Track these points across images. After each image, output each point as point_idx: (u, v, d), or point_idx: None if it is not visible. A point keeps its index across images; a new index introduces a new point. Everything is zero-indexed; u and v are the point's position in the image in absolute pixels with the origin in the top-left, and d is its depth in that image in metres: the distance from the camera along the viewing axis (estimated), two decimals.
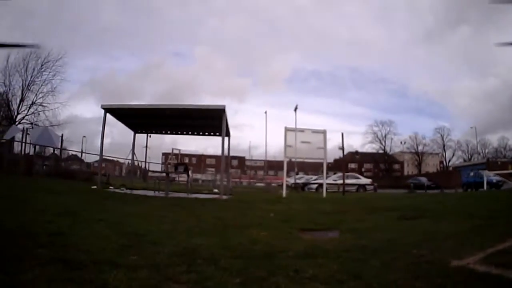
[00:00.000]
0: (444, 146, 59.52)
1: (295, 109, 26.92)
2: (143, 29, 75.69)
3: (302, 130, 11.39)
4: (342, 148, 16.39)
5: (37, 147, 16.83)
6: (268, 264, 2.34)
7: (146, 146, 20.15)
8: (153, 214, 4.86)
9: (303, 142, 11.19)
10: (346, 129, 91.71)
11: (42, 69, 27.05)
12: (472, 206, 6.27)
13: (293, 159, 11.08)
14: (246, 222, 4.49)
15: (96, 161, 33.14)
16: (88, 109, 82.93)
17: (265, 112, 36.78)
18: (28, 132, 16.95)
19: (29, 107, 26.85)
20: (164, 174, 11.29)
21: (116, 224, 3.67)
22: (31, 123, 25.69)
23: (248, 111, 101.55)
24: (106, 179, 14.77)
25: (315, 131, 11.63)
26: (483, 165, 36.13)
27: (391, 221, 4.95)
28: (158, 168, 31.99)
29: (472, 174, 22.30)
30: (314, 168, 51.49)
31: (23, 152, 15.02)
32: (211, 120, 10.21)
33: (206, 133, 12.01)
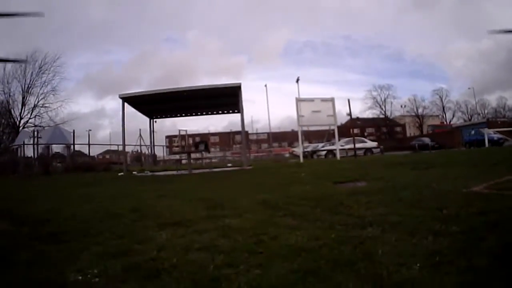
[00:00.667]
0: (443, 108, 59.90)
1: (297, 81, 27.28)
2: (133, 20, 74.56)
3: (312, 100, 11.99)
4: (350, 114, 16.97)
5: (52, 147, 17.31)
6: (329, 201, 3.10)
7: (152, 131, 20.69)
8: (206, 186, 5.51)
9: (314, 111, 11.83)
10: (344, 96, 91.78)
11: (41, 71, 27.45)
12: (476, 159, 7.16)
13: (304, 128, 11.63)
14: (286, 182, 5.21)
15: (100, 154, 33.91)
16: (87, 104, 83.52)
17: (265, 85, 36.98)
18: (40, 135, 17.33)
19: (32, 110, 27.38)
20: (179, 155, 12.07)
21: (189, 197, 4.09)
22: (35, 126, 26.14)
23: (246, 87, 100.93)
24: (125, 166, 15.48)
25: (324, 100, 12.25)
26: (484, 125, 36.68)
27: (407, 171, 5.72)
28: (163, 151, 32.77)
29: (473, 132, 22.77)
30: (317, 136, 52.26)
31: (36, 154, 15.14)
32: (227, 98, 10.83)
33: (220, 112, 12.67)
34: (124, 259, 1.73)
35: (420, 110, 61.12)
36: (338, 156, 12.13)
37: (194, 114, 12.94)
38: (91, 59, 75.96)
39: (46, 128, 22.93)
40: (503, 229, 1.86)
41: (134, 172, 11.12)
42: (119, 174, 10.27)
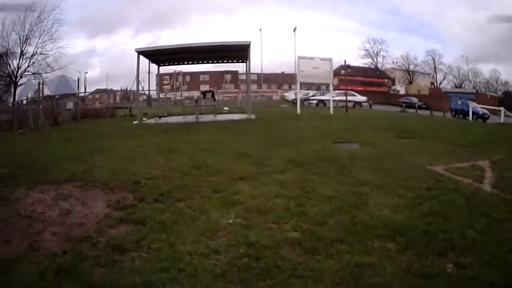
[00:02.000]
0: (435, 69, 59.91)
1: (294, 30, 27.07)
2: None
3: (312, 58, 12.87)
4: (346, 70, 17.82)
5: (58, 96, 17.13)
6: (337, 164, 4.51)
7: (149, 72, 20.91)
8: (230, 139, 6.52)
9: (313, 67, 12.77)
10: (337, 43, 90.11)
11: (40, 21, 26.23)
12: (453, 135, 7.79)
13: (300, 80, 12.73)
14: (295, 138, 6.52)
15: (89, 94, 33.35)
16: (77, 44, 78.90)
17: (260, 30, 36.24)
18: (45, 83, 17.03)
19: (30, 59, 26.59)
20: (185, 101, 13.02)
21: (227, 152, 5.50)
22: (33, 74, 25.94)
23: (238, 25, 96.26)
24: (129, 111, 15.84)
25: (322, 59, 13.18)
26: (473, 95, 37.68)
27: (391, 138, 7.03)
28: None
29: (460, 102, 23.46)
30: (309, 84, 52.64)
31: (42, 105, 14.24)
32: (235, 53, 11.57)
33: (229, 61, 13.41)
34: (240, 206, 2.99)
35: (411, 67, 61.41)
36: (331, 109, 13.23)
37: (201, 62, 13.55)
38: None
39: (50, 78, 22.68)
40: (435, 201, 3.15)
41: (144, 119, 11.83)
42: (134, 122, 10.73)
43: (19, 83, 25.93)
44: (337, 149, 5.70)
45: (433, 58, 59.06)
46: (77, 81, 17.14)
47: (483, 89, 53.51)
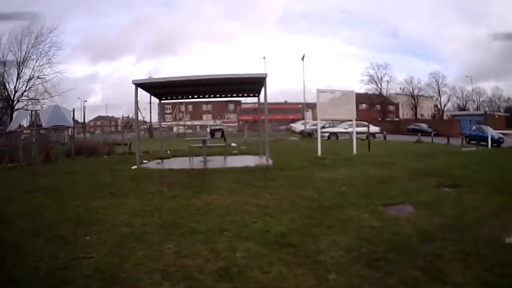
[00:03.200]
0: (439, 91, 60.17)
1: (303, 58, 26.50)
2: None
3: (333, 92, 11.74)
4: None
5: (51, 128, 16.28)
6: (412, 250, 3.22)
7: (150, 103, 19.99)
8: (244, 205, 5.06)
9: (334, 103, 11.62)
10: (339, 69, 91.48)
11: (37, 43, 26.31)
12: (492, 176, 6.83)
13: (323, 120, 11.46)
14: (337, 203, 5.08)
15: (91, 120, 33.01)
16: (80, 69, 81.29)
17: (264, 58, 35.83)
18: (38, 116, 16.42)
19: (27, 83, 26.30)
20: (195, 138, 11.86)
21: (246, 224, 4.33)
22: (30, 99, 25.54)
23: (239, 52, 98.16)
24: (129, 148, 14.81)
25: (344, 92, 12.06)
26: (481, 116, 37.28)
27: (438, 189, 5.88)
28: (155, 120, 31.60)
29: (474, 128, 22.95)
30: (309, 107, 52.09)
31: (34, 138, 13.76)
32: (249, 85, 10.44)
33: (236, 95, 12.28)
34: None
35: (416, 91, 61.33)
36: (355, 147, 11.88)
37: (207, 96, 12.32)
38: (86, 23, 72.29)
39: (44, 107, 22.02)
40: None
41: (144, 161, 10.51)
42: (133, 168, 8.98)
43: (16, 108, 25.27)
44: (396, 220, 4.30)
45: (436, 81, 59.18)
46: (72, 112, 16.08)
47: (487, 108, 53.30)
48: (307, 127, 25.96)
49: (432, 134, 22.68)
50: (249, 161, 9.90)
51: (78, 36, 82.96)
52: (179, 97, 12.31)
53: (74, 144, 13.69)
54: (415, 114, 61.38)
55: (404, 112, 67.19)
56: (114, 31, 77.86)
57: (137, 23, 71.47)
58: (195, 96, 12.15)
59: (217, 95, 12.23)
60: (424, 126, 33.89)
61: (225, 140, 11.30)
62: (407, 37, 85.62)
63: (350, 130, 21.77)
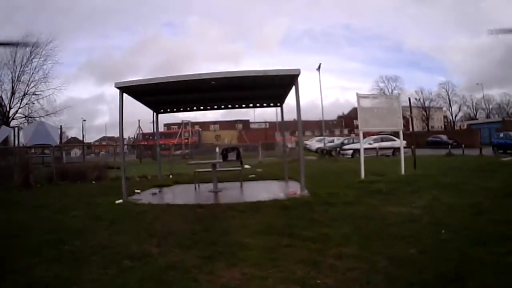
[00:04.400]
0: (450, 101, 58.76)
1: (319, 68, 24.32)
2: (134, 4, 70.74)
3: (375, 97, 9.27)
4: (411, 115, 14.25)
5: (34, 147, 14.27)
6: None
7: (153, 122, 17.72)
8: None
9: (377, 110, 9.10)
10: (344, 85, 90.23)
11: (32, 57, 24.79)
12: None
13: (364, 129, 8.88)
14: (450, 265, 2.78)
15: (96, 141, 30.94)
16: (86, 90, 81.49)
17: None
18: (21, 133, 14.40)
19: (21, 99, 24.84)
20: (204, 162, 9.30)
21: None
22: (26, 116, 23.69)
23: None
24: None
25: (388, 98, 9.61)
26: (498, 123, 36.35)
27: None
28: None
29: (502, 135, 21.59)
30: (315, 127, 49.65)
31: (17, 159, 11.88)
32: (273, 89, 7.88)
33: (252, 105, 9.69)
34: None
35: (426, 103, 59.87)
36: (403, 166, 9.19)
37: (216, 107, 9.57)
38: (91, 43, 72.41)
39: (29, 123, 19.99)
40: None
41: (137, 191, 7.99)
42: (117, 202, 6.56)
43: (10, 125, 23.25)
44: None
45: (446, 91, 57.38)
46: (59, 130, 13.78)
47: (497, 115, 52.02)
48: (326, 144, 23.40)
49: (462, 146, 20.13)
50: (274, 189, 7.39)
51: (84, 57, 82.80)
52: (180, 108, 9.66)
53: (59, 167, 11.78)
54: (427, 126, 59.47)
55: (416, 125, 65.08)
56: (119, 52, 77.62)
57: (142, 44, 71.10)
58: (200, 107, 9.55)
59: (228, 105, 9.63)
60: (444, 137, 31.99)
61: (241, 163, 8.66)
62: (409, 50, 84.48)
63: (375, 145, 19.28)
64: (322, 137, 27.54)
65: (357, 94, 8.76)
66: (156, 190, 8.07)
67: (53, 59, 25.41)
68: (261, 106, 9.55)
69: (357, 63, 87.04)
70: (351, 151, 18.90)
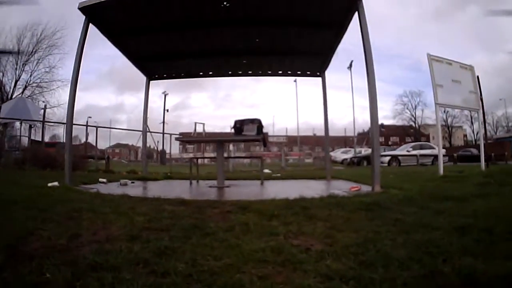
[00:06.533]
0: (471, 118, 55.95)
1: (350, 67, 22.01)
2: None
3: (449, 63, 6.61)
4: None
5: (10, 126, 12.48)
6: None
7: (164, 115, 15.49)
8: None
9: (454, 80, 6.51)
10: (362, 104, 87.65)
11: (38, 47, 23.06)
12: None
13: (444, 108, 6.27)
14: None
15: (109, 147, 28.40)
16: (106, 98, 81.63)
17: (295, 81, 31.10)
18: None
19: (23, 90, 22.97)
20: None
21: None
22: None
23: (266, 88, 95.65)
24: (106, 163, 10.80)
25: (462, 66, 6.93)
26: None
27: None
28: (176, 150, 26.66)
29: None
30: (338, 142, 46.81)
31: None
32: (318, 30, 5.27)
33: (290, 72, 6.77)
34: None
35: (449, 120, 57.08)
36: (482, 162, 6.57)
37: (230, 73, 6.80)
38: (112, 51, 71.51)
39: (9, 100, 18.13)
40: None
41: (102, 180, 5.62)
42: (49, 185, 4.22)
43: None
44: None
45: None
46: (41, 109, 11.81)
47: None
48: (356, 154, 20.68)
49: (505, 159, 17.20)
50: (319, 188, 4.79)
51: (106, 65, 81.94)
52: (180, 72, 6.86)
53: (29, 151, 9.95)
54: (450, 143, 56.49)
55: (435, 143, 62.02)
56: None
57: None
58: (209, 72, 6.87)
59: (248, 69, 6.97)
60: (475, 151, 29.47)
61: (264, 143, 5.93)
62: (427, 69, 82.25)
63: (414, 152, 16.49)
64: (347, 149, 24.79)
65: (428, 55, 6.22)
66: (128, 181, 5.47)
67: (60, 49, 23.47)
68: (295, 74, 6.87)
69: (377, 82, 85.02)
70: (387, 158, 16.11)
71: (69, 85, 4.72)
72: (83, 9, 4.33)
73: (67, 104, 4.79)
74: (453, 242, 1.63)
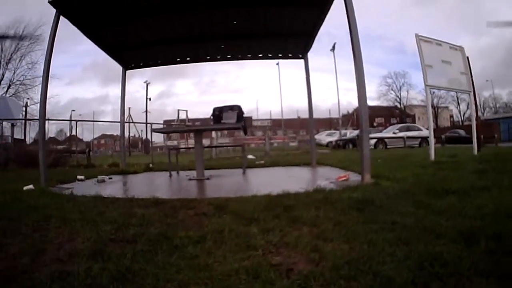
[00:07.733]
0: (458, 99, 56.62)
1: (333, 49, 21.67)
2: None
3: (439, 44, 6.35)
4: None
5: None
6: None
7: (147, 104, 14.85)
8: None
9: (443, 61, 6.28)
10: (346, 86, 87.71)
11: (20, 44, 22.80)
12: None
13: (434, 90, 6.07)
14: None
15: (95, 139, 28.03)
16: (91, 90, 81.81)
17: (277, 64, 30.60)
18: None
19: (7, 88, 22.52)
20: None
21: None
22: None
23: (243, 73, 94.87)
24: (87, 157, 10.70)
25: (452, 47, 6.68)
26: None
27: None
28: (160, 139, 26.14)
29: None
30: (322, 124, 46.98)
31: None
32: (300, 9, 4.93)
33: (271, 54, 6.40)
34: None
35: (435, 100, 57.55)
36: (432, 154, 6.35)
37: (209, 57, 6.43)
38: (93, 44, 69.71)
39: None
40: None
41: (80, 177, 5.21)
42: (25, 188, 3.79)
43: None
44: None
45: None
46: (23, 107, 11.46)
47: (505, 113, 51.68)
48: (341, 137, 20.60)
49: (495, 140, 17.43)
50: (304, 177, 4.64)
51: (89, 58, 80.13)
52: (157, 60, 6.48)
53: (10, 150, 9.83)
54: (436, 124, 57.19)
55: (421, 124, 62.86)
56: None
57: None
58: (187, 57, 6.44)
59: (227, 53, 6.56)
60: (462, 132, 29.45)
61: (245, 131, 5.62)
62: (412, 52, 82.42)
63: (401, 135, 16.48)
64: (332, 131, 24.66)
65: (417, 35, 5.94)
66: (106, 177, 5.13)
67: (41, 45, 22.77)
68: (276, 56, 6.50)
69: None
70: (374, 141, 15.89)
71: (41, 81, 4.49)
72: (53, 2, 4.02)
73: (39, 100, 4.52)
74: (461, 256, 1.37)
